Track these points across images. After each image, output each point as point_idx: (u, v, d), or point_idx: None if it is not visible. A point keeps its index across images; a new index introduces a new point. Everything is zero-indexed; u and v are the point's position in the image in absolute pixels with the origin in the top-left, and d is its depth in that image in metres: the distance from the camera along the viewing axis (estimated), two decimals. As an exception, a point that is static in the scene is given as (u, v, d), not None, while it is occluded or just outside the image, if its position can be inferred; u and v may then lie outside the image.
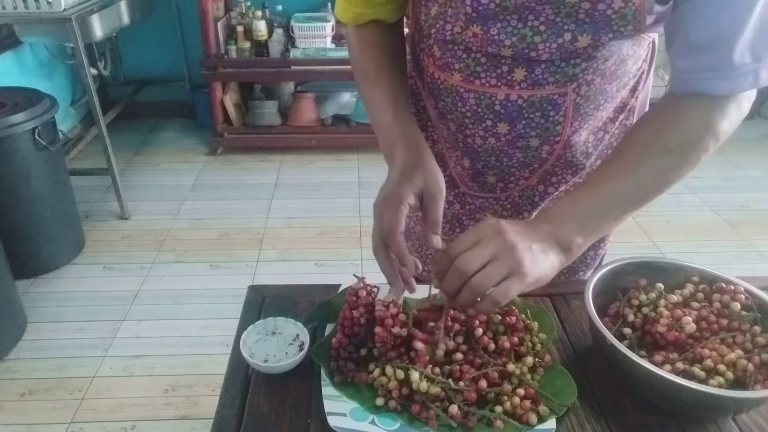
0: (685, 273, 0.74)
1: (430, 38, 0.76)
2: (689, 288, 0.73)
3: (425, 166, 0.68)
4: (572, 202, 0.66)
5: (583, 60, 0.69)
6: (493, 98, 0.74)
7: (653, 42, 0.78)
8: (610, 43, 0.67)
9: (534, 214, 0.89)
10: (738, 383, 0.62)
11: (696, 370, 0.62)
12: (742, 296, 0.69)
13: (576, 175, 0.85)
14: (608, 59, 0.70)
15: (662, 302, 0.70)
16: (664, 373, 0.59)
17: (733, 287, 0.70)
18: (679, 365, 0.62)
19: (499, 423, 0.59)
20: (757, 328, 0.66)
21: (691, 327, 0.65)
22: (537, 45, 0.67)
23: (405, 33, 0.85)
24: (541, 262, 0.61)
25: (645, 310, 0.70)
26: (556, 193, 0.86)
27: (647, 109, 0.85)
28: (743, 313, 0.68)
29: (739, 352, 0.63)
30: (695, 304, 0.70)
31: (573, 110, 0.75)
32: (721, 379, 0.61)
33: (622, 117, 0.83)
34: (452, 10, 0.70)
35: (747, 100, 0.65)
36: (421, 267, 0.67)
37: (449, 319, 0.67)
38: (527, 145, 0.79)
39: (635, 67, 0.77)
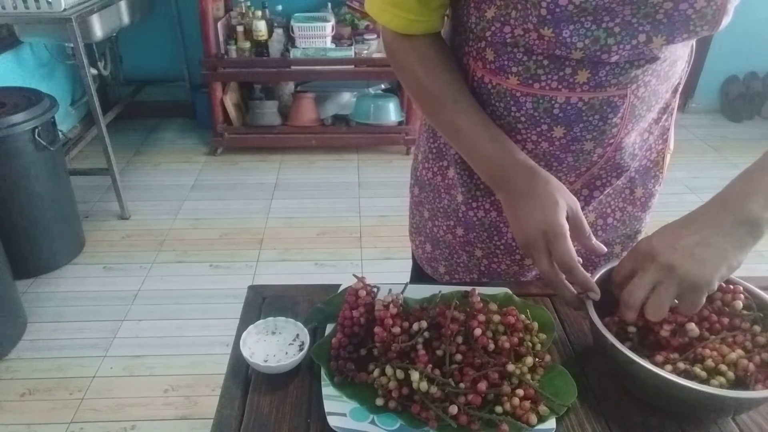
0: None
1: (481, 41, 0.73)
2: None
3: (556, 184, 0.68)
4: (748, 180, 0.62)
5: (647, 61, 0.68)
6: (553, 101, 0.72)
7: (692, 43, 0.77)
8: (679, 44, 0.66)
9: None
10: (739, 383, 0.62)
11: (697, 370, 0.62)
12: (742, 295, 0.69)
13: (620, 177, 0.83)
14: (666, 60, 0.70)
15: None
16: (666, 373, 0.58)
17: (732, 287, 0.70)
18: (681, 365, 0.62)
19: (505, 427, 0.59)
20: (757, 328, 0.66)
21: (695, 332, 0.65)
22: (610, 47, 0.65)
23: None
24: (713, 259, 0.60)
25: None
26: (601, 196, 0.85)
27: (676, 109, 0.85)
28: (744, 312, 0.68)
29: (740, 351, 0.63)
30: None
31: (629, 112, 0.73)
32: (722, 379, 0.61)
33: (663, 118, 0.82)
34: (517, 12, 0.67)
35: None
36: (599, 294, 0.67)
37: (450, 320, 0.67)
38: (581, 149, 0.77)
39: (681, 68, 0.77)
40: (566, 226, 0.65)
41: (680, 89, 0.82)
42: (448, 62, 0.77)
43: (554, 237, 0.64)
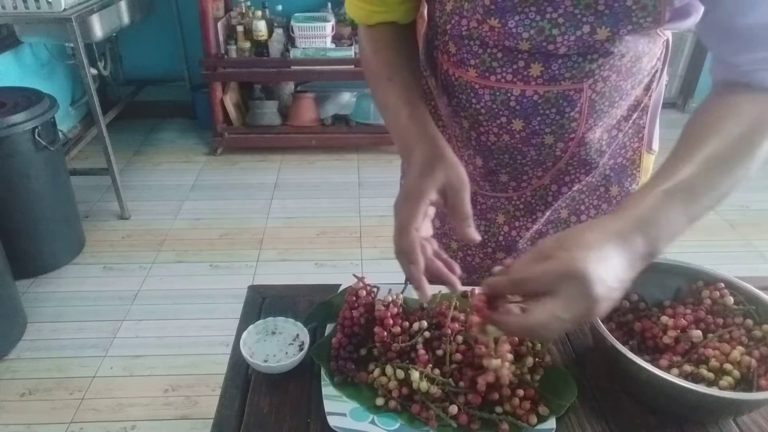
0: (686, 273, 0.74)
1: (445, 34, 0.76)
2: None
3: (445, 160, 0.64)
4: (667, 209, 0.55)
5: (600, 55, 0.69)
6: (509, 94, 0.73)
7: (668, 41, 0.77)
8: (627, 39, 0.67)
9: (547, 214, 0.88)
10: (742, 380, 0.62)
11: (704, 371, 0.62)
12: (726, 291, 0.69)
13: (589, 174, 0.84)
14: (625, 55, 0.70)
15: (655, 310, 0.71)
16: (668, 376, 0.58)
17: (713, 284, 0.70)
18: (687, 368, 0.62)
19: (505, 427, 0.59)
20: (749, 322, 0.66)
21: (699, 339, 0.65)
22: (555, 38, 0.67)
23: (422, 32, 0.84)
24: (618, 296, 0.53)
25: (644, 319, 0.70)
26: (570, 192, 0.86)
27: (659, 108, 0.85)
28: (735, 307, 0.68)
29: (740, 348, 0.63)
30: (683, 309, 0.70)
31: (588, 107, 0.74)
32: (729, 379, 0.61)
33: (635, 116, 0.83)
34: (469, 4, 0.69)
35: None
36: (459, 271, 0.63)
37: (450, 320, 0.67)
38: (541, 143, 0.78)
39: (650, 65, 0.77)
40: (426, 195, 0.60)
41: (654, 87, 0.81)
42: (400, 47, 0.78)
43: (405, 200, 0.61)
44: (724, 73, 0.65)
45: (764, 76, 0.60)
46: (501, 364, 0.60)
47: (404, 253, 0.59)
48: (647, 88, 0.81)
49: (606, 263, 0.51)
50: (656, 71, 0.80)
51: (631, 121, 0.83)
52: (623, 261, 0.52)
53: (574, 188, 0.86)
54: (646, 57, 0.74)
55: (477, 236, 0.62)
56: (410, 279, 0.60)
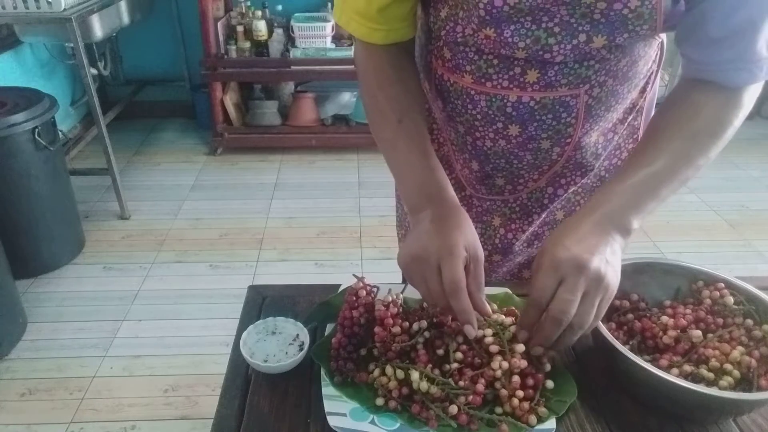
0: (686, 273, 0.74)
1: (439, 40, 0.75)
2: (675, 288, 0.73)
3: (472, 227, 0.66)
4: (627, 189, 0.65)
5: (597, 61, 0.69)
6: (505, 100, 0.73)
7: (662, 43, 0.77)
8: (624, 44, 0.67)
9: (543, 215, 0.89)
10: (743, 380, 0.62)
11: (704, 371, 0.62)
12: (726, 291, 0.69)
13: (585, 176, 0.84)
14: (621, 60, 0.70)
15: (655, 310, 0.71)
16: (668, 376, 0.58)
17: (713, 284, 0.70)
18: (687, 368, 0.62)
19: (504, 427, 0.59)
20: (749, 321, 0.66)
21: (699, 338, 0.65)
22: (551, 47, 0.67)
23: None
24: (617, 266, 0.61)
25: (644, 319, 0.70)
26: (565, 194, 0.86)
27: (654, 109, 0.85)
28: (735, 307, 0.68)
29: (741, 348, 0.63)
30: (683, 309, 0.70)
31: (585, 112, 0.74)
32: (729, 379, 0.61)
33: (630, 118, 0.83)
34: (464, 12, 0.69)
35: (756, 88, 0.67)
36: (476, 330, 0.63)
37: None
38: (538, 147, 0.78)
39: (646, 68, 0.77)
40: (464, 254, 0.62)
41: (649, 89, 0.82)
42: (405, 80, 0.76)
43: (449, 255, 0.61)
44: (693, 72, 0.68)
45: (730, 76, 0.65)
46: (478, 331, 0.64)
47: (461, 313, 0.61)
48: (642, 90, 0.81)
49: (581, 240, 0.60)
50: (651, 73, 0.80)
51: (626, 123, 0.83)
52: (600, 242, 0.61)
53: (570, 190, 0.86)
54: (642, 60, 0.74)
55: (489, 310, 0.65)
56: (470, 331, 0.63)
